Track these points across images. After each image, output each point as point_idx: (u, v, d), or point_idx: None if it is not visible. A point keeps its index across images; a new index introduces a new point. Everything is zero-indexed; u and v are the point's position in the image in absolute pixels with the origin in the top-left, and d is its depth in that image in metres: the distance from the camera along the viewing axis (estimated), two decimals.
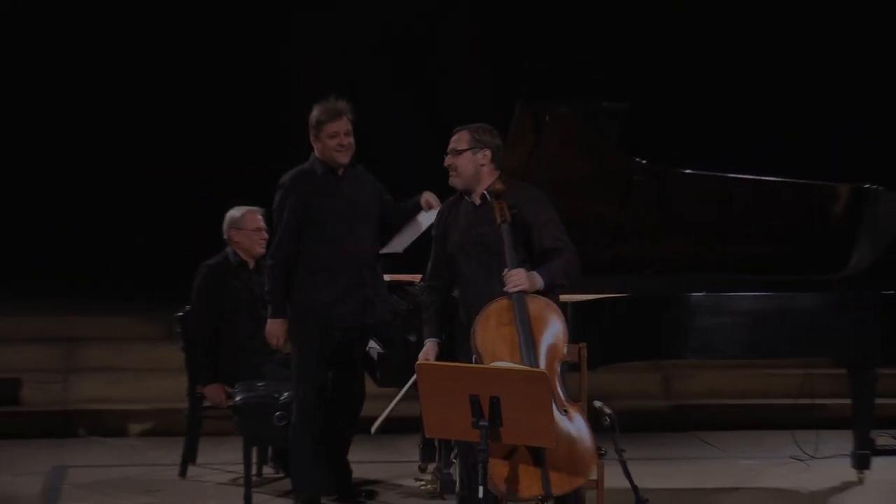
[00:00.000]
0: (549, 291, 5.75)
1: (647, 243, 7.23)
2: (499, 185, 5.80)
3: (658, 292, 7.02)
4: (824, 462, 7.74)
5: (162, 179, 11.96)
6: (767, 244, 7.35)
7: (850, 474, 7.33)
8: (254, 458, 6.99)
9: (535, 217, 5.86)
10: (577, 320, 6.50)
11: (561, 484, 5.38)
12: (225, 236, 7.35)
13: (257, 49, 12.18)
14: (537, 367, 5.49)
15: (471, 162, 5.93)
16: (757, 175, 7.36)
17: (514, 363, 5.52)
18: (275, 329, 6.53)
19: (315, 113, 6.47)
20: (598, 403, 5.51)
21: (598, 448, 5.95)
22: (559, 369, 5.59)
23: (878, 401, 7.33)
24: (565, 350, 5.65)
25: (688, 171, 7.15)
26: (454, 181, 5.98)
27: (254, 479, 6.92)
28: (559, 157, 6.78)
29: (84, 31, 12.05)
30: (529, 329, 5.58)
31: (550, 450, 5.28)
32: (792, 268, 7.33)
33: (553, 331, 5.64)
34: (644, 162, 7.03)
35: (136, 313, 9.82)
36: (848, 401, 7.35)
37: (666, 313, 6.87)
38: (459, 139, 5.97)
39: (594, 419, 5.68)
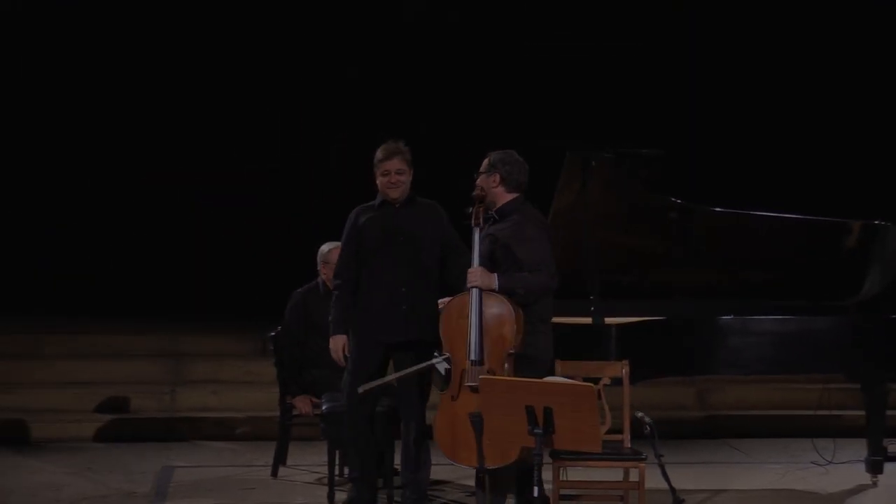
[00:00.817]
0: (509, 295, 5.80)
1: (681, 272, 7.22)
2: (478, 192, 5.94)
3: (691, 315, 7.01)
4: (841, 467, 7.68)
5: (256, 213, 11.58)
6: (788, 273, 7.32)
7: (865, 478, 7.26)
8: (336, 460, 7.01)
9: (523, 238, 5.92)
10: (620, 340, 6.52)
11: (493, 459, 5.52)
12: (319, 267, 7.39)
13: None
14: (480, 356, 5.65)
15: (485, 183, 6.04)
16: (779, 211, 7.35)
17: (464, 356, 5.69)
18: (332, 345, 6.39)
19: (377, 153, 6.40)
20: (639, 413, 5.52)
21: (639, 453, 5.98)
22: (507, 358, 5.70)
23: (890, 412, 7.28)
24: (515, 340, 5.73)
25: (717, 208, 7.15)
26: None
27: (336, 478, 6.94)
28: (604, 197, 6.80)
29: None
30: (480, 322, 5.69)
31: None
32: (810, 294, 7.30)
33: (501, 324, 5.73)
34: (678, 201, 7.03)
35: (234, 332, 9.89)
36: (862, 412, 7.30)
37: (698, 334, 6.85)
38: (483, 163, 6.09)
39: (636, 428, 5.70)
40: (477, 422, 5.34)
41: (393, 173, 6.35)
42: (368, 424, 6.43)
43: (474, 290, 5.76)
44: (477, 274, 5.76)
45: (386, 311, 6.32)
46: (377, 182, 6.43)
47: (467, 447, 5.53)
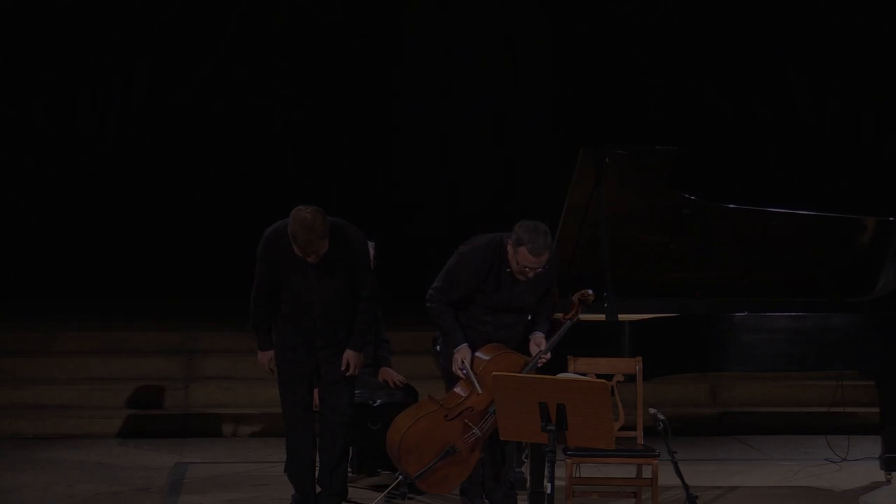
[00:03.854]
0: None
1: (694, 269, 7.21)
2: (589, 297, 6.12)
3: (705, 312, 7.00)
4: (855, 464, 7.66)
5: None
6: (803, 270, 7.31)
7: (879, 475, 7.24)
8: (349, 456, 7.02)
9: (555, 276, 6.28)
10: (634, 337, 6.52)
11: (427, 484, 6.02)
12: None
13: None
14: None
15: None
16: (793, 208, 7.34)
17: (481, 402, 5.97)
18: (260, 358, 6.44)
19: (294, 232, 6.01)
20: (652, 410, 5.53)
21: (653, 449, 5.98)
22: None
23: None
24: None
25: (731, 205, 7.14)
26: (524, 279, 6.13)
27: (350, 475, 6.91)
28: (617, 194, 6.79)
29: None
30: None
31: (445, 461, 5.92)
32: (825, 291, 7.28)
33: None
34: (692, 197, 7.03)
35: (248, 329, 9.88)
36: (876, 409, 7.29)
37: (712, 331, 6.84)
38: (546, 262, 6.08)
39: (649, 424, 5.70)
40: (448, 454, 5.91)
41: (311, 255, 6.08)
42: (309, 423, 6.43)
43: (533, 364, 6.02)
44: (548, 357, 6.08)
45: (298, 358, 6.32)
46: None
47: (419, 459, 5.93)
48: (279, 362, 6.41)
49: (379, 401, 6.92)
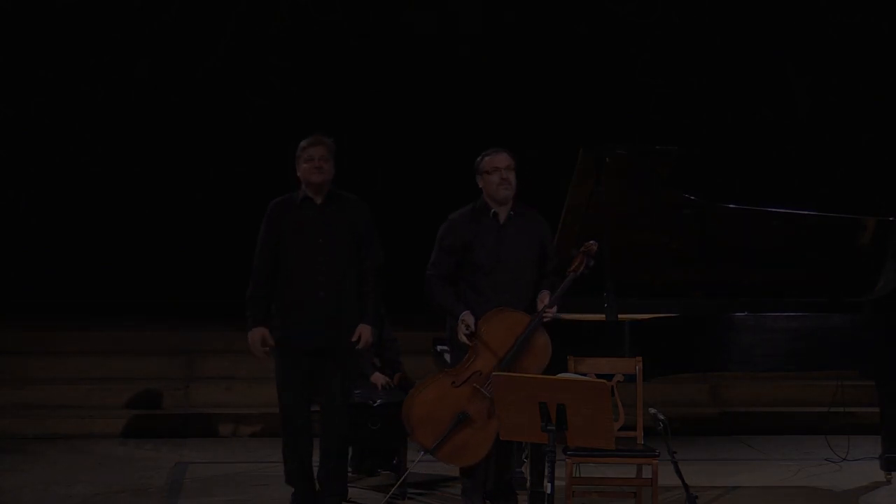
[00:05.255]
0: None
1: (694, 269, 7.22)
2: (593, 247, 6.12)
3: (704, 312, 7.01)
4: (855, 464, 7.66)
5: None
6: (802, 270, 7.31)
7: (879, 475, 7.24)
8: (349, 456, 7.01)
9: (551, 243, 6.33)
10: (634, 337, 6.52)
11: (445, 454, 5.94)
12: None
13: None
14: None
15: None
16: (793, 208, 7.34)
17: (488, 364, 5.94)
18: (250, 338, 6.40)
19: (301, 143, 6.47)
20: (652, 410, 5.53)
21: (653, 449, 5.99)
22: None
23: None
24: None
25: (731, 205, 7.15)
26: (508, 194, 6.17)
27: (350, 474, 6.92)
28: (617, 193, 6.80)
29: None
30: (522, 351, 5.97)
31: (460, 428, 5.86)
32: (825, 291, 7.28)
33: (536, 356, 6.03)
34: (692, 197, 7.03)
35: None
36: (876, 409, 7.28)
37: (712, 331, 6.84)
38: (511, 159, 6.18)
39: (649, 424, 5.70)
40: (460, 420, 5.86)
41: (317, 159, 6.39)
42: (308, 423, 6.44)
43: (538, 320, 6.01)
44: (554, 313, 6.08)
45: (304, 320, 6.32)
46: (299, 172, 6.45)
47: (432, 430, 5.89)
48: (279, 358, 6.38)
49: (379, 401, 6.92)
